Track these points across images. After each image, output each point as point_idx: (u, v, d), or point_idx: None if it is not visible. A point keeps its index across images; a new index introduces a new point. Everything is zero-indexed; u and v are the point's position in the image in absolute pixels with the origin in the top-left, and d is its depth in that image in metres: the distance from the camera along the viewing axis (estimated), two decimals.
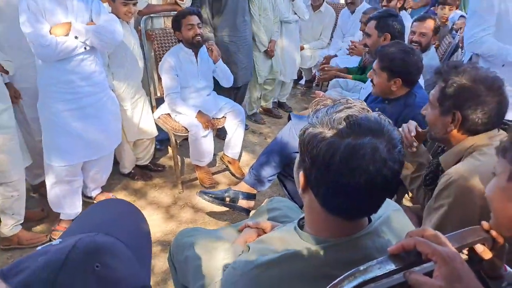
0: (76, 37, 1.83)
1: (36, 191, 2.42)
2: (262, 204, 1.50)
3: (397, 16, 2.27)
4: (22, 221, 1.99)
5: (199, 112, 2.49)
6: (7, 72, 1.85)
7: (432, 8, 3.58)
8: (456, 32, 2.89)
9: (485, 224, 0.70)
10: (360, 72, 3.36)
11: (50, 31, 1.77)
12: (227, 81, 2.74)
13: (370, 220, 0.79)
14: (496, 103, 1.12)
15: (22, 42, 1.89)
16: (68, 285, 0.46)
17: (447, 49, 2.93)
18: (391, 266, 0.59)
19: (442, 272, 0.56)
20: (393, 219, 0.83)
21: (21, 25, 1.73)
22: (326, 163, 0.68)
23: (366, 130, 0.67)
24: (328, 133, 0.69)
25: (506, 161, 0.73)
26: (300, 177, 0.76)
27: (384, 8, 3.09)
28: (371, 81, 1.90)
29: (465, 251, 0.67)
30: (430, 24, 2.48)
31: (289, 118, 2.08)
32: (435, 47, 2.80)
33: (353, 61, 3.37)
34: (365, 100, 2.16)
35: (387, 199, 0.75)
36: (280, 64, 3.60)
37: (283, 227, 0.93)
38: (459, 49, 2.81)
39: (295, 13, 3.62)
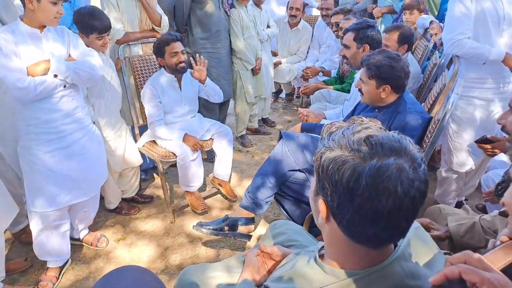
0: (55, 76, 1.70)
1: (17, 240, 2.24)
2: (266, 230, 1.45)
3: (374, 27, 2.28)
4: (3, 277, 1.80)
5: (186, 135, 2.41)
6: None
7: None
8: (431, 36, 2.95)
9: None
10: (338, 82, 3.39)
11: (27, 71, 1.63)
12: (218, 96, 2.68)
13: (395, 245, 0.74)
14: None
15: None
16: None
17: (423, 52, 2.98)
18: None
19: None
20: (415, 238, 0.78)
21: None
22: (350, 188, 0.63)
23: (389, 150, 0.64)
24: (349, 155, 0.65)
25: None
26: (320, 206, 0.71)
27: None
28: (360, 90, 1.89)
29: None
30: (392, 36, 2.53)
31: (280, 137, 2.03)
32: (411, 52, 2.85)
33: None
34: (354, 110, 2.15)
35: None
36: (264, 81, 3.59)
37: (300, 259, 0.87)
38: (436, 52, 2.87)
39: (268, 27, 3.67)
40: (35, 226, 1.88)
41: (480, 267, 0.55)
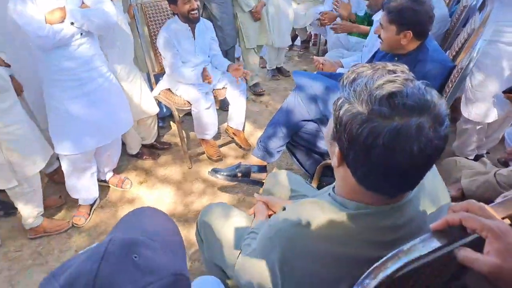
0: (72, 23, 1.74)
1: (50, 180, 2.42)
2: (265, 182, 1.49)
3: None
4: (42, 212, 2.02)
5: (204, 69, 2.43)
6: (8, 65, 1.78)
7: None
8: None
9: None
10: (367, 23, 3.18)
11: (45, 19, 1.67)
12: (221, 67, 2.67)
13: None
14: None
15: (15, 32, 1.80)
16: (110, 274, 0.50)
17: None
18: (435, 244, 0.57)
19: (495, 248, 0.53)
20: (426, 181, 0.78)
21: (13, 15, 1.63)
22: (367, 145, 0.63)
23: (411, 110, 0.61)
24: (370, 114, 0.63)
25: None
26: (335, 152, 0.72)
27: None
28: (379, 36, 1.80)
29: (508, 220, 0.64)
30: None
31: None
32: None
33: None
34: (373, 58, 2.07)
35: None
36: (271, 29, 3.45)
37: (316, 196, 0.90)
38: None
39: None
40: (65, 168, 2.04)
41: (482, 215, 0.57)
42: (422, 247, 0.57)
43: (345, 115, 0.65)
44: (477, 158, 2.37)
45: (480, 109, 2.13)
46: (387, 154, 0.62)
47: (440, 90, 1.72)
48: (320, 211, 0.74)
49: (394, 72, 0.67)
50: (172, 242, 0.64)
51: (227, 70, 2.55)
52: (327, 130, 0.76)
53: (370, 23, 3.07)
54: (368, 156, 0.64)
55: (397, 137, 0.60)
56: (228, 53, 3.19)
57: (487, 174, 1.41)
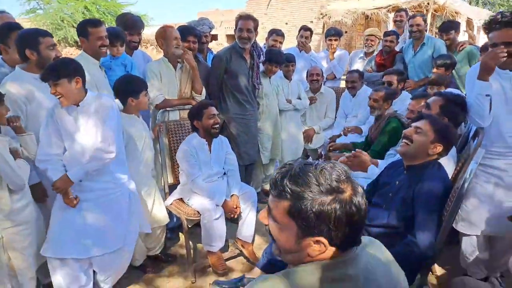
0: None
1: None
2: None
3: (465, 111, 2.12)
4: None
5: (226, 200, 2.53)
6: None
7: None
8: None
9: None
10: (366, 148, 3.40)
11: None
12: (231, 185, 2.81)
13: None
14: None
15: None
16: None
17: None
18: None
19: None
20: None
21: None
22: None
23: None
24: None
25: None
26: None
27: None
28: (407, 137, 1.81)
29: None
30: (422, 102, 2.61)
31: None
32: None
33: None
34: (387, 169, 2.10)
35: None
36: (283, 148, 3.78)
37: None
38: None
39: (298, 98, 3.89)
40: (57, 280, 1.95)
41: None
42: None
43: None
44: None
45: (467, 221, 2.12)
46: None
47: (441, 207, 1.73)
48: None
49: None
50: None
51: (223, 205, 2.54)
52: None
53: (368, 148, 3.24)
54: None
55: None
56: (247, 168, 3.38)
57: None
